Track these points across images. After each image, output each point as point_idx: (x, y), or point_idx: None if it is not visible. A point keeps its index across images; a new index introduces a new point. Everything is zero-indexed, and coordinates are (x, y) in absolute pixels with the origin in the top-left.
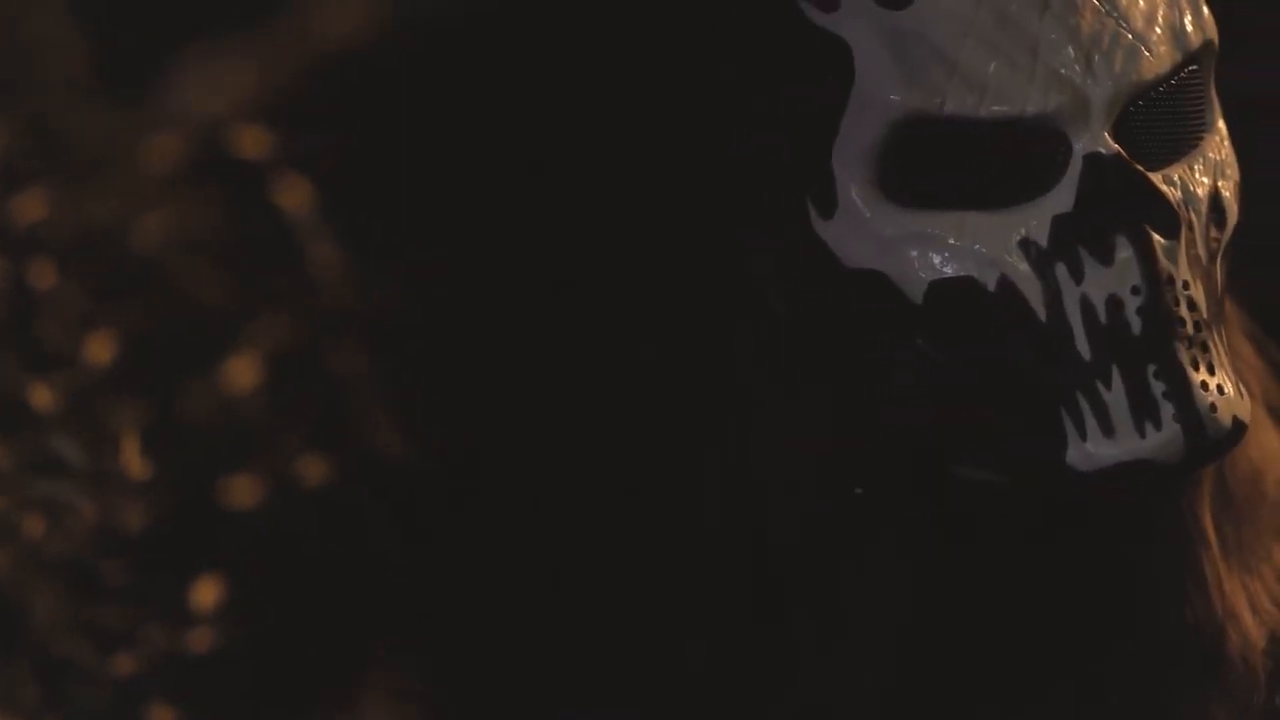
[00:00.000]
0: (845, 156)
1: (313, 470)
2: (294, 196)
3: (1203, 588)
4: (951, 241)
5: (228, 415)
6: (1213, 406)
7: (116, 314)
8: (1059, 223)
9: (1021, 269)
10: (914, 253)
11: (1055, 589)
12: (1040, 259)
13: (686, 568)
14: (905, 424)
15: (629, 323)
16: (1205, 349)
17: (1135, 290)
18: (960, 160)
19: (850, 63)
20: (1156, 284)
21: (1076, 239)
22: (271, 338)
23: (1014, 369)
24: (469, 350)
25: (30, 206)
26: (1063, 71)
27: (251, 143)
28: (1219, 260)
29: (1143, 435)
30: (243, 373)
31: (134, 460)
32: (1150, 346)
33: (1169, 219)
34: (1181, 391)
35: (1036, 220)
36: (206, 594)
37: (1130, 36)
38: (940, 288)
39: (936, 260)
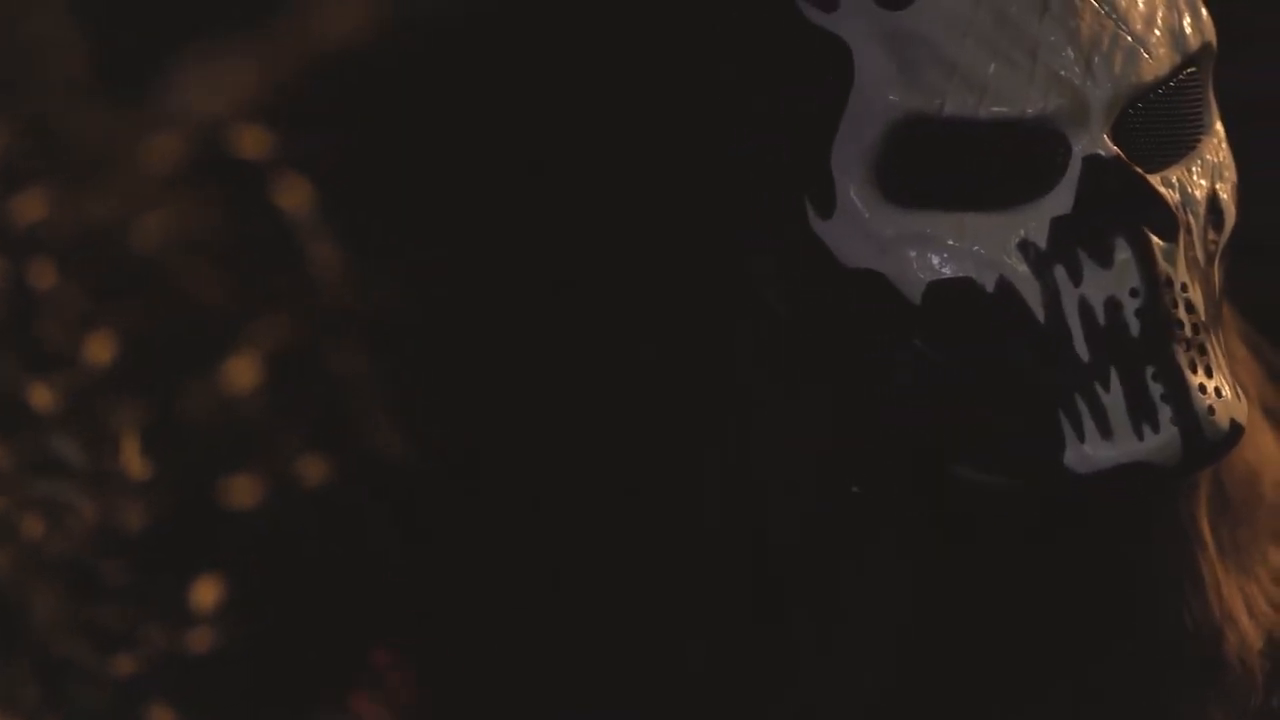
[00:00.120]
0: (844, 156)
1: (313, 470)
2: (294, 196)
3: (1200, 590)
4: (950, 242)
5: (228, 415)
6: (1210, 409)
7: (116, 314)
8: (1058, 224)
9: (1020, 270)
10: (913, 253)
11: (1054, 590)
12: (1039, 260)
13: (686, 568)
14: (904, 424)
15: (629, 323)
16: (1203, 351)
17: (1134, 292)
18: (959, 161)
19: (849, 63)
20: (1155, 286)
21: (1075, 240)
22: (271, 338)
23: (1012, 370)
24: (469, 350)
25: (30, 206)
26: (1062, 73)
27: (251, 143)
28: (1217, 262)
29: (1140, 437)
30: (243, 373)
31: (134, 460)
32: (1149, 349)
33: (1167, 221)
34: (1179, 394)
35: (1035, 221)
36: (206, 594)
37: (1129, 38)
38: (939, 288)
39: (935, 261)
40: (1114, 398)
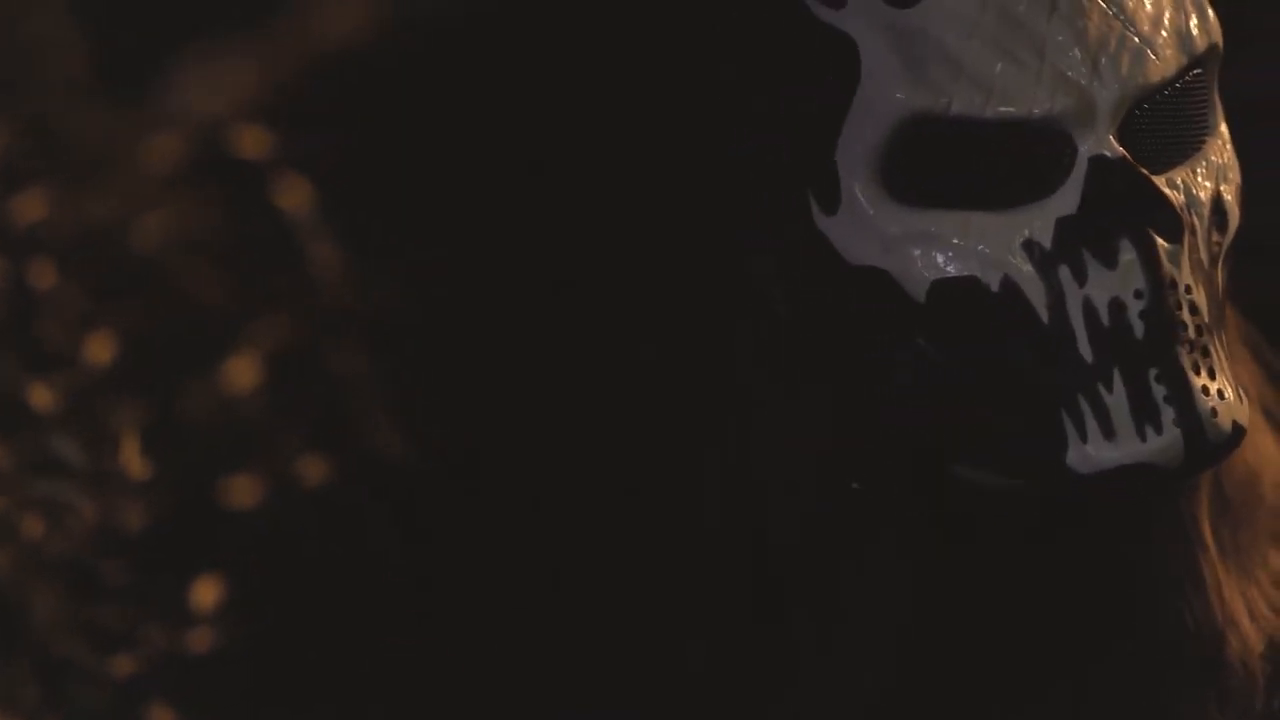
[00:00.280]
0: (849, 153)
1: (313, 470)
2: (294, 197)
3: (1202, 592)
4: (955, 241)
5: (228, 415)
6: (1213, 411)
7: (116, 314)
8: (1063, 225)
9: (1025, 270)
10: (917, 251)
11: (1054, 590)
12: (1044, 260)
13: (686, 568)
14: (905, 423)
15: (629, 323)
16: (1206, 353)
17: (1138, 294)
18: (965, 160)
19: (856, 60)
20: (1159, 288)
21: (1080, 241)
22: (271, 338)
23: (1015, 370)
24: (469, 350)
25: (30, 206)
26: (1069, 73)
27: (251, 143)
28: (1220, 264)
29: (1143, 439)
30: (243, 373)
31: (134, 460)
32: (1152, 350)
33: (1172, 223)
34: (1183, 396)
35: (1040, 222)
36: (206, 594)
37: (1137, 39)
38: (943, 287)
39: (940, 259)
40: (1117, 398)
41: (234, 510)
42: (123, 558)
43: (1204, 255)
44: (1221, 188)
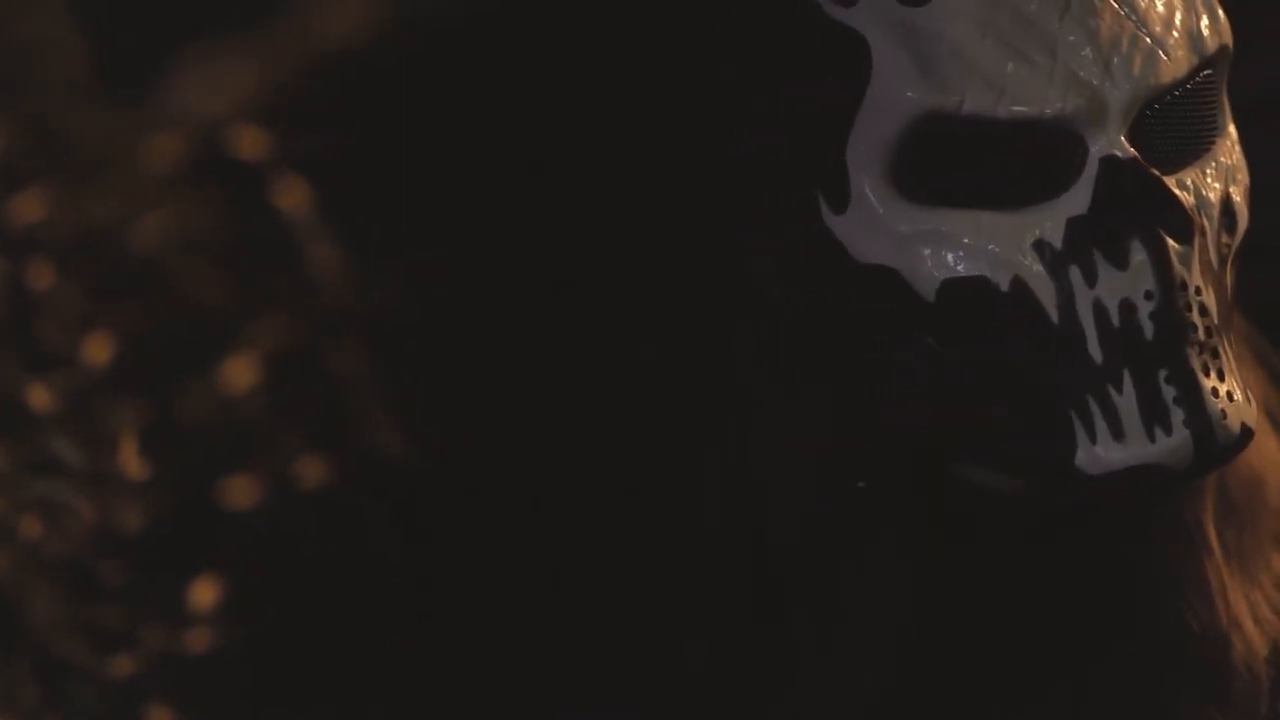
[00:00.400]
0: (859, 151)
1: (312, 470)
2: (293, 197)
3: (1206, 595)
4: (965, 240)
5: (227, 415)
6: (1223, 413)
7: (115, 314)
8: (1074, 225)
9: (1035, 270)
10: (927, 250)
11: (1054, 590)
12: (1054, 261)
13: (686, 568)
14: (912, 422)
15: (629, 323)
16: (1216, 355)
17: (1148, 295)
18: (976, 159)
19: (867, 58)
20: (1170, 289)
21: (1091, 242)
22: (271, 338)
23: (1024, 370)
24: (469, 350)
25: (29, 207)
26: (1081, 74)
27: (250, 143)
28: (1229, 265)
29: (1152, 440)
30: (241, 373)
31: (132, 461)
32: (1162, 351)
33: (1183, 224)
34: (1192, 397)
35: (1051, 222)
36: (205, 594)
37: (1149, 40)
38: (952, 286)
39: (950, 258)
40: (1126, 399)
41: (233, 510)
42: (121, 558)
43: (1213, 256)
44: (1230, 189)
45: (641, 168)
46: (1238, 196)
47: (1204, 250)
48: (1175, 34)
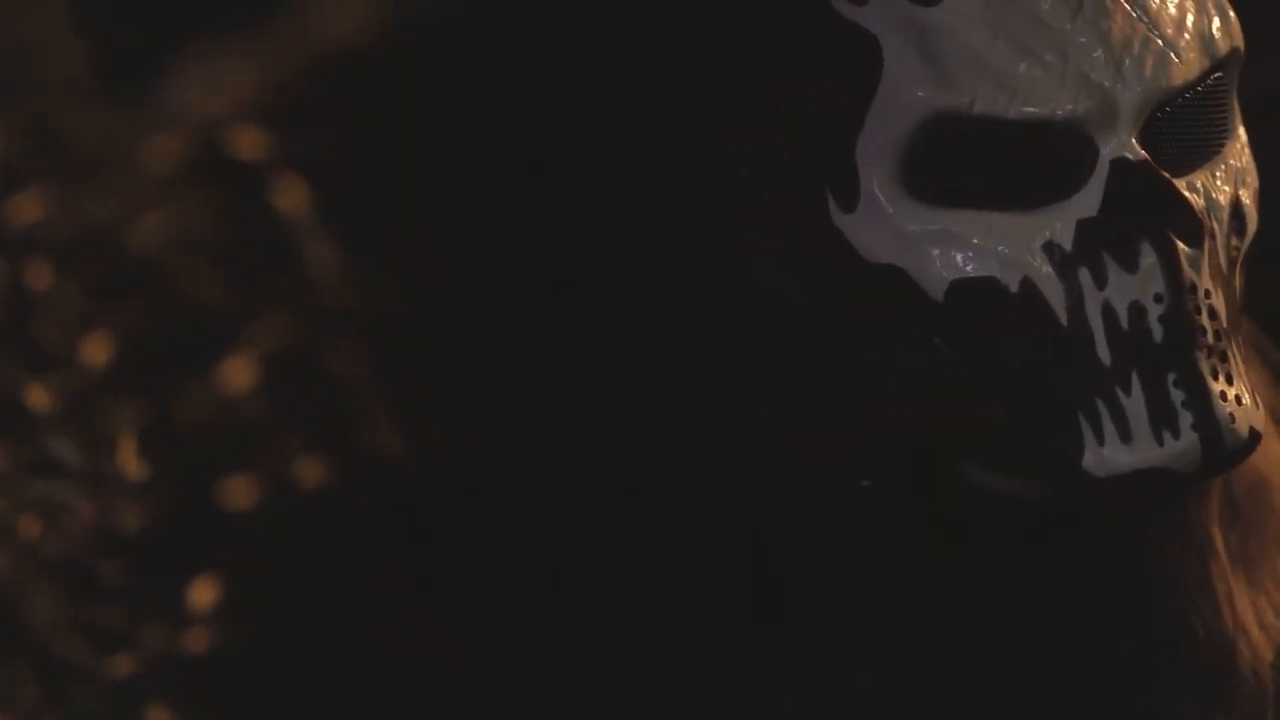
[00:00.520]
0: (869, 151)
1: (311, 471)
2: (292, 197)
3: (1212, 600)
4: (975, 241)
5: (226, 416)
6: (1231, 417)
7: (114, 314)
8: (1084, 227)
9: (1044, 272)
10: (936, 250)
11: (1052, 591)
12: (1064, 262)
13: (686, 568)
14: (916, 422)
15: (629, 323)
16: (1224, 359)
17: (1158, 298)
18: (987, 160)
19: (878, 57)
20: (1179, 292)
21: (1101, 244)
22: (270, 338)
23: (1032, 371)
24: (469, 350)
25: (28, 207)
26: (1093, 75)
27: (250, 143)
28: (1238, 269)
29: (1160, 443)
30: (241, 373)
31: (131, 461)
32: (1171, 355)
33: (1193, 227)
34: (1201, 401)
35: (1061, 223)
36: (204, 594)
37: (1160, 42)
38: (961, 287)
39: (959, 259)
40: (1135, 402)
41: (232, 511)
42: (120, 558)
43: (1223, 260)
44: (1240, 192)
45: (642, 167)
46: (1247, 199)
47: (1213, 253)
48: (1187, 36)
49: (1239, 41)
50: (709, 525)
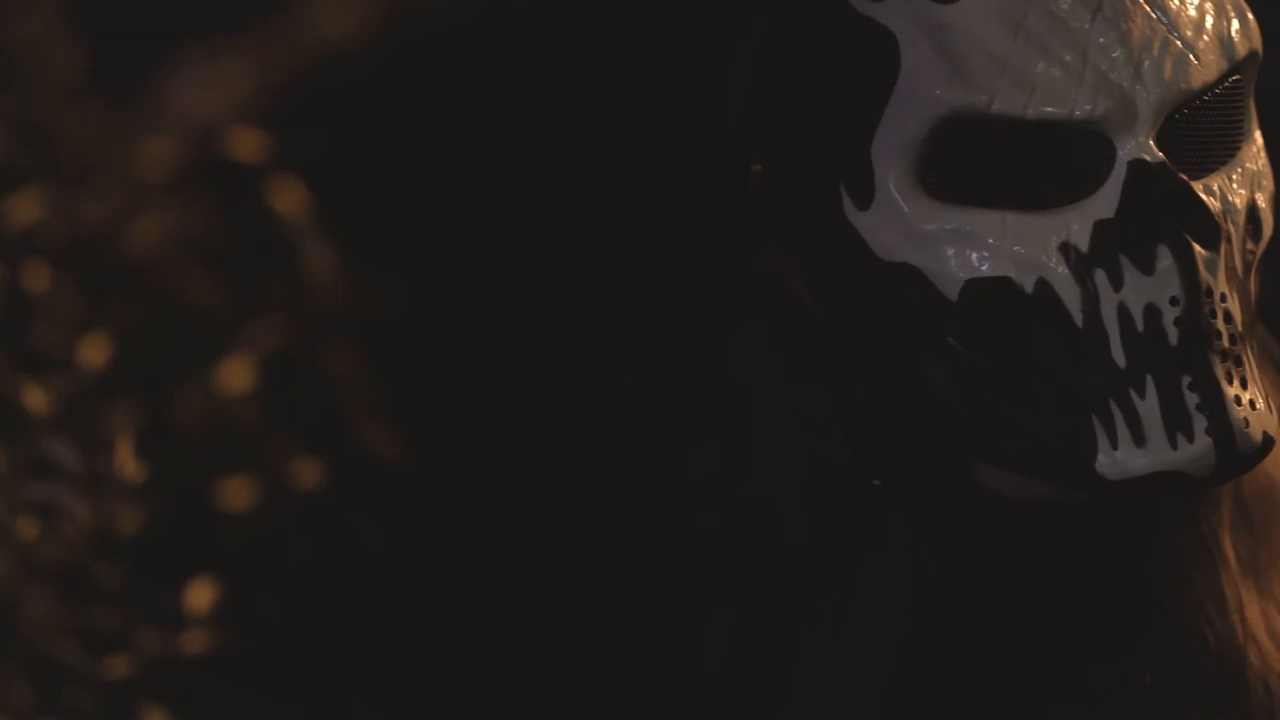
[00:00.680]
0: (885, 148)
1: (307, 473)
2: (288, 199)
3: (1223, 609)
4: (991, 240)
5: (222, 418)
6: (1245, 421)
7: (110, 316)
8: (1101, 228)
9: (1060, 272)
10: (951, 249)
11: (1061, 596)
12: (1080, 263)
13: (686, 568)
14: (930, 422)
15: (629, 323)
16: (1239, 363)
17: (1174, 301)
18: (1004, 159)
19: (896, 55)
20: (1195, 295)
21: (1118, 246)
22: (266, 340)
23: (1046, 372)
24: (465, 352)
25: (24, 209)
26: (1112, 76)
27: (245, 146)
28: (1253, 272)
29: (1174, 446)
30: (237, 375)
31: (128, 463)
32: (1186, 358)
33: (1210, 230)
34: (1215, 404)
35: (1078, 224)
36: (200, 597)
37: (1179, 44)
38: (976, 286)
39: (974, 258)
40: (1149, 405)
41: (228, 513)
42: (117, 560)
43: (1239, 263)
44: (1256, 195)
45: (643, 167)
46: (1263, 203)
47: (1229, 257)
48: (1206, 38)
49: (1257, 44)
50: (709, 525)
